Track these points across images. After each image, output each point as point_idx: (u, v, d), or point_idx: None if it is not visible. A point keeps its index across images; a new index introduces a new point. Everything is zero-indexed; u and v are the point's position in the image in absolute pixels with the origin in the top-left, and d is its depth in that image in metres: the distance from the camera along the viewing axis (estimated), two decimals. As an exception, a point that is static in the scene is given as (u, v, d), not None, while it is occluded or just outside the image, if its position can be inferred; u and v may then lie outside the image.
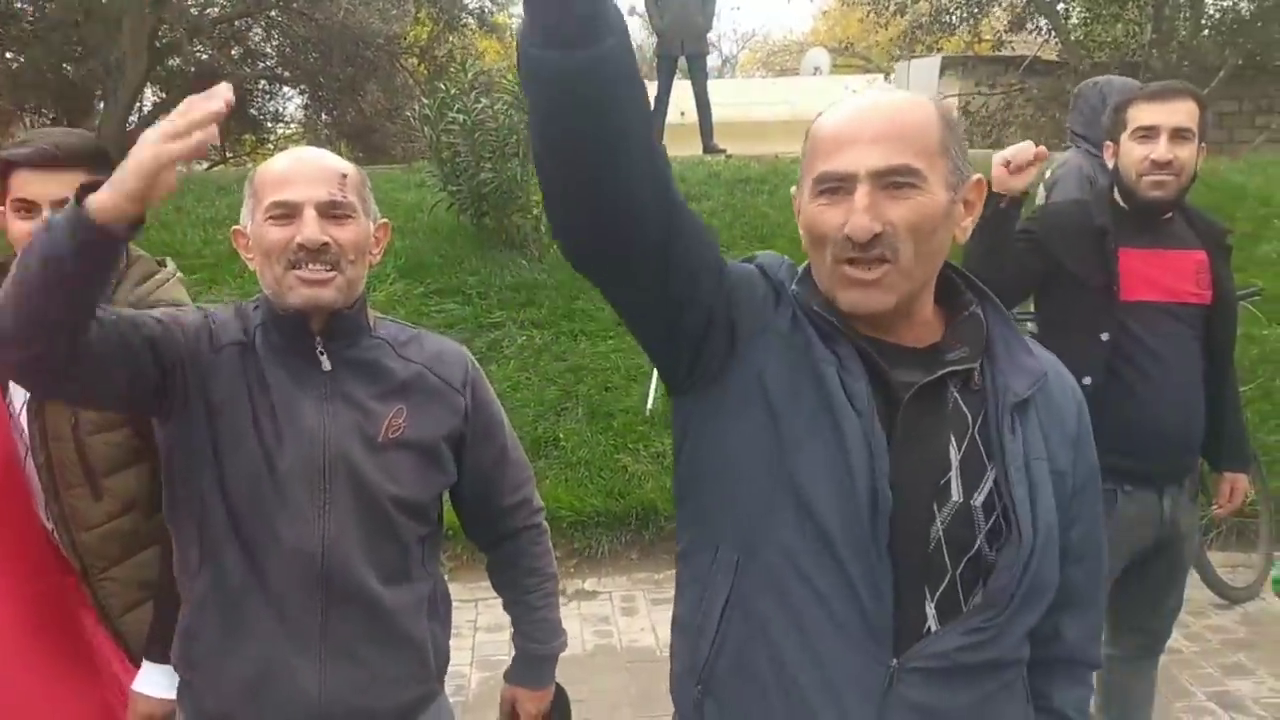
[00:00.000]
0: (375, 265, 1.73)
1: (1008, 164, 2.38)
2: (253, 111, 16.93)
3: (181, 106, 1.29)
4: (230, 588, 1.62)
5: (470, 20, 15.45)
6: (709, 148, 9.99)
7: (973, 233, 2.57)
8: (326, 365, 1.67)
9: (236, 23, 14.98)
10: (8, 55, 13.09)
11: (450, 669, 1.88)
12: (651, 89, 10.41)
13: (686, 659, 1.38)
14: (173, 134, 1.27)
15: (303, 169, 1.61)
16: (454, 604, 1.91)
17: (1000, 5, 15.13)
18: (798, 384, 1.25)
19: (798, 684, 1.25)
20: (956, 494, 1.23)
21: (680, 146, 10.22)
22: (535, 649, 1.93)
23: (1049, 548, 1.26)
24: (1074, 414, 1.35)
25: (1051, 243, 2.61)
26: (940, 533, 1.23)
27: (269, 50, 16.12)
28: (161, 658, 1.82)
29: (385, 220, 1.75)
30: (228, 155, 17.57)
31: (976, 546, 1.23)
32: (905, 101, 1.24)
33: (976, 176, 1.29)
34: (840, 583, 1.22)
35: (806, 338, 1.27)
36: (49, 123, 15.68)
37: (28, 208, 1.82)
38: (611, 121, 1.06)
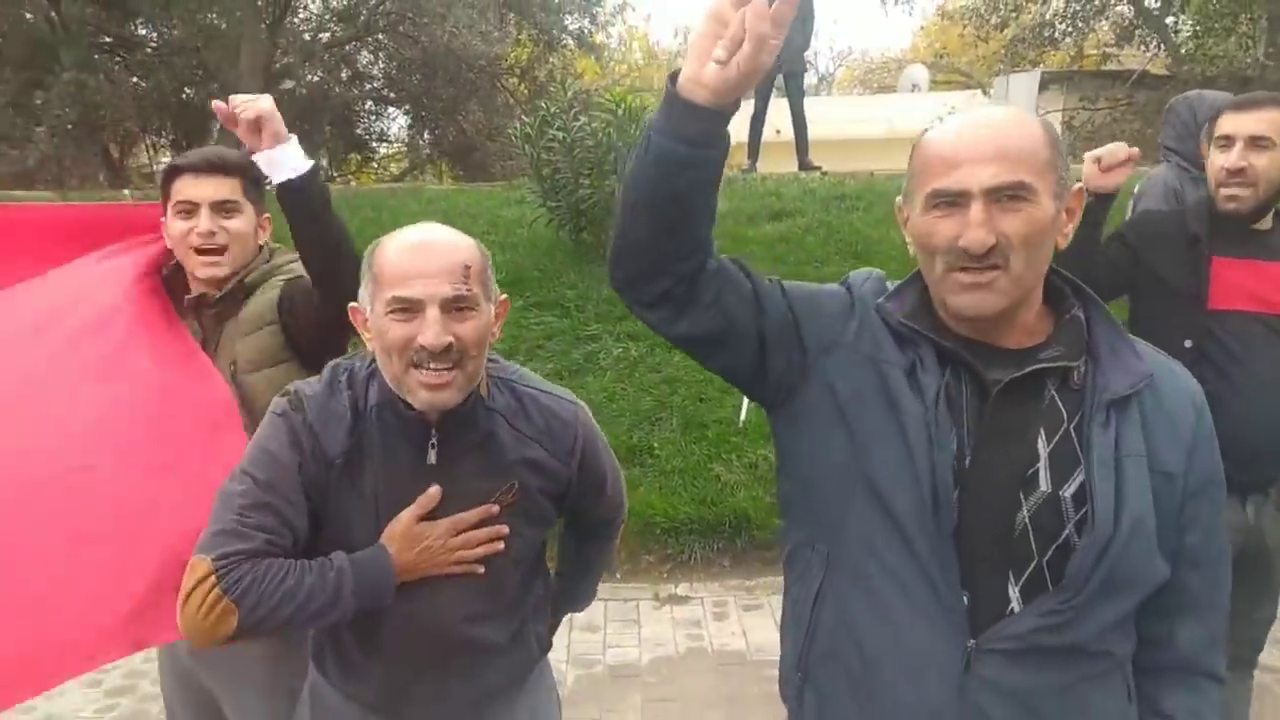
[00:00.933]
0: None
1: (1099, 161, 2.43)
2: (359, 131, 17.55)
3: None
4: (358, 631, 1.73)
5: (569, 41, 15.76)
6: (804, 164, 10.02)
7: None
8: (432, 459, 1.67)
9: (346, 47, 15.56)
10: (134, 80, 13.83)
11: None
12: (748, 107, 10.50)
13: (790, 653, 1.49)
14: None
15: (427, 263, 1.54)
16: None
17: (1106, 19, 14.80)
18: (865, 389, 1.36)
19: (880, 665, 1.34)
20: (1045, 484, 1.29)
21: (776, 163, 10.27)
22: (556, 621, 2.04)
23: (1135, 541, 1.28)
24: (1190, 419, 1.36)
25: (1144, 247, 2.62)
26: (1026, 520, 1.29)
27: (376, 73, 16.73)
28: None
29: (504, 296, 1.70)
30: (334, 175, 18.22)
31: (1065, 535, 1.28)
32: (1014, 119, 1.30)
33: (1078, 185, 1.36)
34: (913, 566, 1.31)
35: (877, 345, 1.38)
36: (169, 144, 16.49)
37: (190, 209, 2.09)
38: (690, 207, 1.26)
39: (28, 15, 12.29)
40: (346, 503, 1.66)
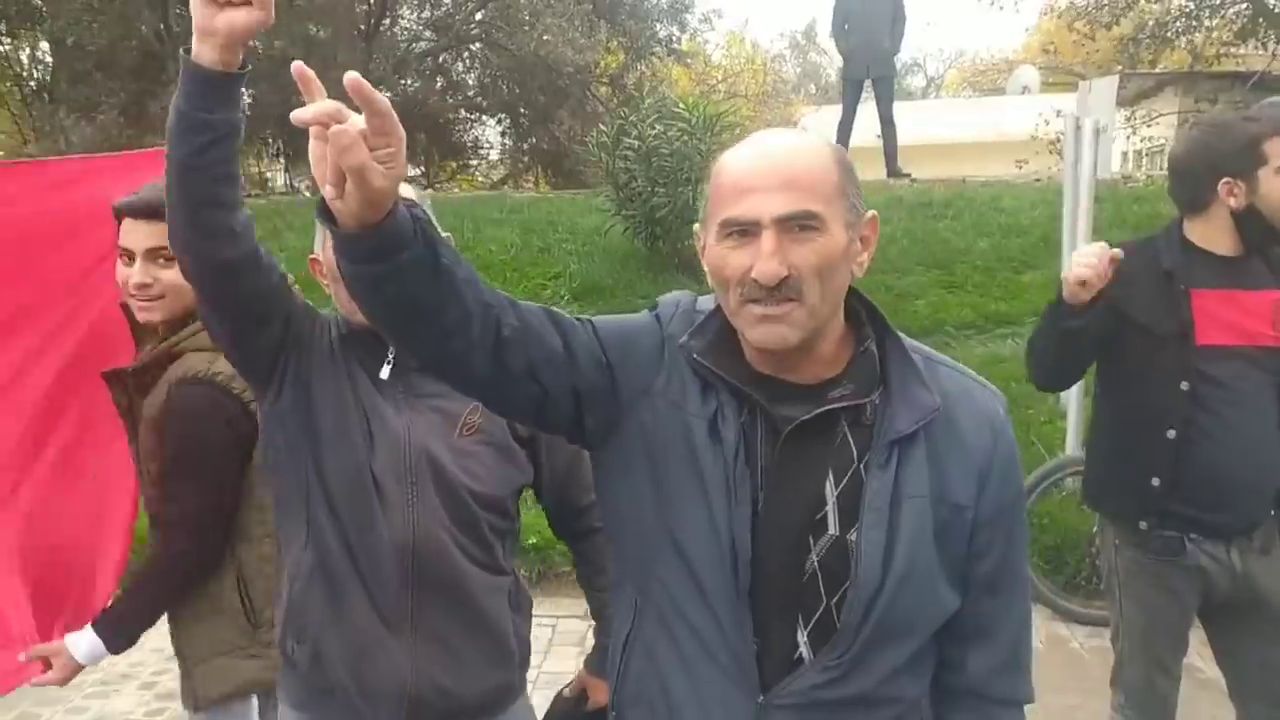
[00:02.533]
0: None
1: (1083, 284, 2.28)
2: (454, 139, 17.83)
3: None
4: (331, 568, 1.73)
5: (659, 49, 15.72)
6: (893, 171, 9.76)
7: (1040, 338, 2.38)
8: (385, 374, 1.76)
9: (440, 56, 15.83)
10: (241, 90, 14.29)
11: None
12: (836, 111, 10.27)
13: (609, 690, 1.49)
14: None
15: None
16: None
17: (1224, 17, 14.05)
18: (671, 439, 1.32)
19: (681, 713, 1.34)
20: (833, 528, 1.27)
21: (866, 170, 10.00)
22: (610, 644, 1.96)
23: (906, 587, 1.25)
24: (986, 445, 1.31)
25: (1118, 288, 2.38)
26: (815, 564, 1.27)
27: (470, 81, 16.97)
28: (107, 630, 2.00)
29: (448, 234, 1.73)
30: (434, 183, 18.56)
31: (850, 579, 1.26)
32: (802, 146, 1.27)
33: (871, 214, 1.32)
34: (711, 622, 1.30)
35: (684, 391, 1.32)
36: (275, 153, 17.03)
37: (128, 256, 2.04)
38: (415, 305, 1.18)
39: (142, 28, 12.80)
40: (340, 390, 1.74)
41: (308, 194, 12.72)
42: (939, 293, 7.12)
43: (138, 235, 2.01)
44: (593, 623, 2.08)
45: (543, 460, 1.87)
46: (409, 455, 1.72)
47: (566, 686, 2.08)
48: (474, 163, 19.18)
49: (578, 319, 1.37)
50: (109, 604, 2.08)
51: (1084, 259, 2.30)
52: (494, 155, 19.53)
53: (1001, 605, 1.36)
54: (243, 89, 1.43)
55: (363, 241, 1.11)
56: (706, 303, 1.39)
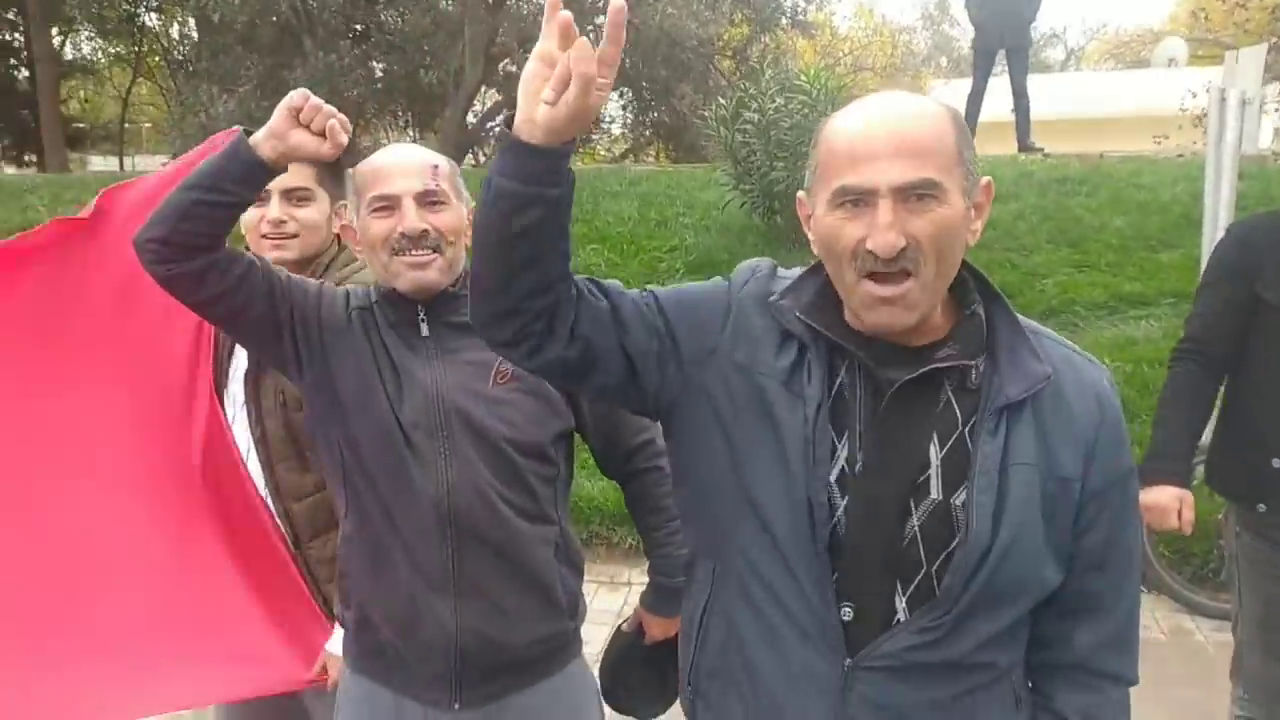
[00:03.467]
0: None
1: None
2: (577, 113, 17.93)
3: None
4: (371, 530, 1.77)
5: (784, 20, 15.48)
6: (1025, 145, 9.41)
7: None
8: (424, 331, 1.80)
9: (565, 29, 15.95)
10: (372, 63, 14.69)
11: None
12: (965, 84, 9.96)
13: (684, 663, 1.47)
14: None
15: (398, 164, 1.77)
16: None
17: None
18: (743, 402, 1.31)
19: (765, 683, 1.33)
20: (935, 492, 1.25)
21: (1001, 143, 9.68)
22: (663, 581, 2.00)
23: (1014, 554, 1.23)
24: (1093, 416, 1.29)
25: (1257, 268, 2.26)
26: (916, 528, 1.25)
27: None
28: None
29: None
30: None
31: (954, 545, 1.24)
32: (920, 110, 1.23)
33: (986, 180, 1.28)
34: (792, 585, 1.29)
35: (753, 353, 1.32)
36: (403, 126, 17.47)
37: (262, 195, 2.02)
38: (538, 243, 1.23)
39: (280, 3, 13.25)
40: (363, 353, 1.79)
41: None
42: (1069, 271, 6.84)
43: None
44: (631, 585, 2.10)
45: (582, 403, 1.87)
46: (439, 408, 1.75)
47: (625, 621, 2.11)
48: (595, 136, 19.29)
49: (642, 289, 1.39)
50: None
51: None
52: (615, 129, 19.61)
53: (1111, 582, 1.33)
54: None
55: (539, 158, 1.18)
56: (787, 271, 1.38)
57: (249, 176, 1.62)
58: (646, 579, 2.05)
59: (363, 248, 1.82)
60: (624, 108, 18.25)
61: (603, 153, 20.09)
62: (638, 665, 2.06)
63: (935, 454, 1.25)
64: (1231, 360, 2.43)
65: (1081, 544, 1.30)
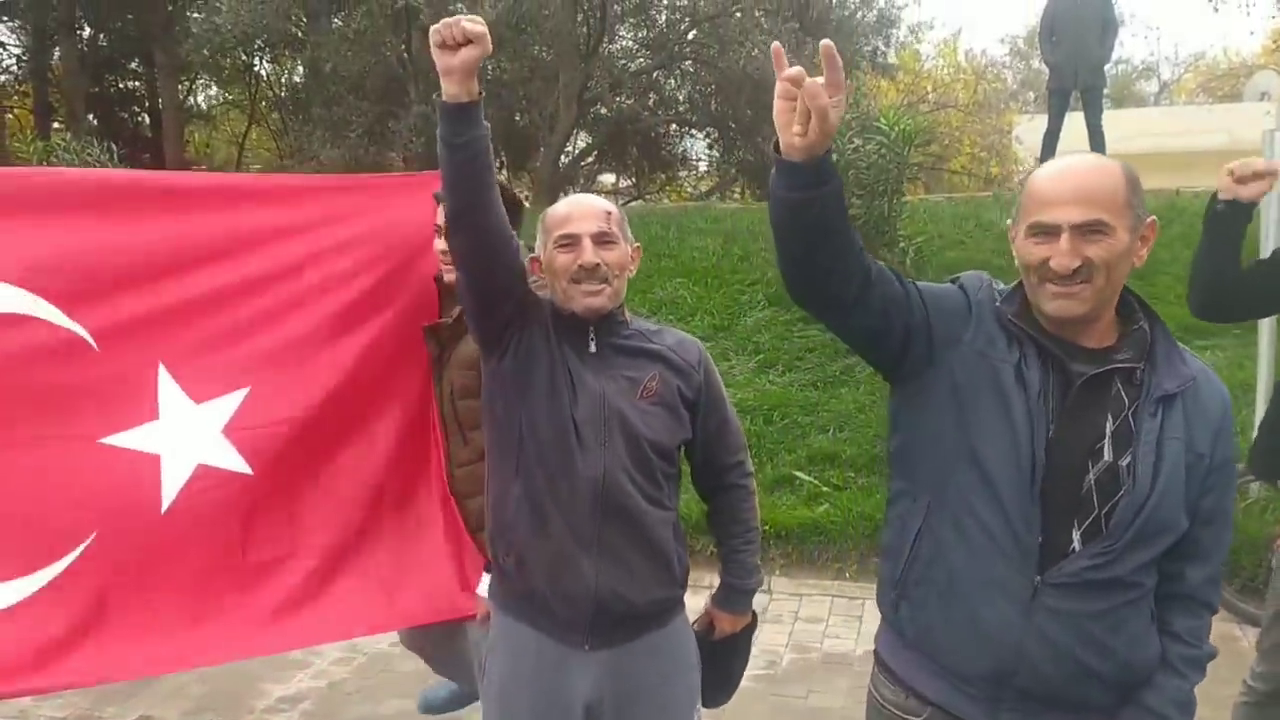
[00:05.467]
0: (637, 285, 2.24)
1: (1232, 173, 2.52)
2: (664, 153, 18.54)
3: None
4: (536, 496, 2.20)
5: (864, 64, 15.87)
6: (1100, 182, 9.55)
7: (1203, 234, 2.61)
8: (593, 349, 2.25)
9: (654, 74, 16.56)
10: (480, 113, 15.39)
11: (766, 647, 2.34)
12: (1041, 122, 10.20)
13: (888, 574, 1.91)
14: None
15: (580, 209, 2.22)
16: (780, 596, 2.39)
17: None
18: (980, 380, 1.77)
19: (965, 587, 1.76)
20: (1108, 455, 1.71)
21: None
22: (736, 583, 2.45)
23: (1166, 501, 1.69)
24: (1219, 412, 1.78)
25: None
26: (1092, 482, 1.71)
27: (680, 98, 17.64)
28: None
29: (638, 244, 2.33)
30: (646, 194, 19.37)
31: (1119, 494, 1.70)
32: (1098, 166, 1.70)
33: (1151, 219, 1.73)
34: (1001, 519, 1.72)
35: (990, 343, 1.77)
36: (500, 165, 18.24)
37: (441, 230, 2.71)
38: (827, 229, 1.66)
39: (387, 54, 14.10)
40: (553, 356, 2.21)
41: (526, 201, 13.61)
42: (1138, 304, 7.04)
43: None
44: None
45: (699, 422, 2.33)
46: (604, 410, 2.18)
47: (695, 621, 2.47)
48: (682, 174, 19.90)
49: (901, 279, 1.82)
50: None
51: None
52: (702, 168, 20.18)
53: (1213, 534, 1.79)
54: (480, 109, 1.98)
55: (805, 170, 1.59)
56: (995, 283, 1.86)
57: (464, 115, 1.96)
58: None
59: (546, 276, 2.27)
60: (709, 147, 18.80)
61: (689, 190, 20.61)
62: (706, 659, 2.43)
63: (1109, 428, 1.70)
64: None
65: (1200, 504, 1.75)
